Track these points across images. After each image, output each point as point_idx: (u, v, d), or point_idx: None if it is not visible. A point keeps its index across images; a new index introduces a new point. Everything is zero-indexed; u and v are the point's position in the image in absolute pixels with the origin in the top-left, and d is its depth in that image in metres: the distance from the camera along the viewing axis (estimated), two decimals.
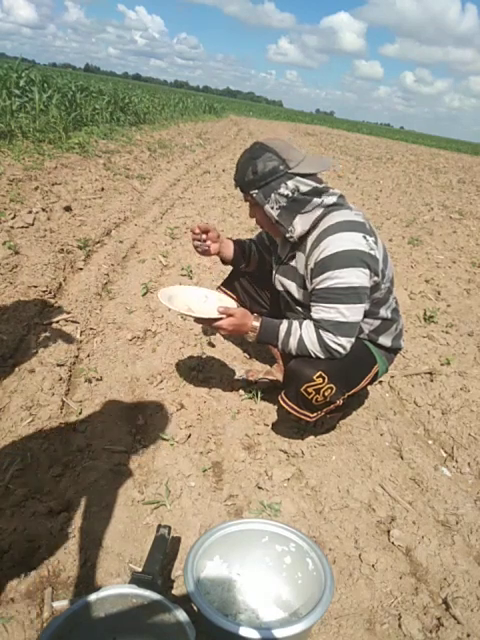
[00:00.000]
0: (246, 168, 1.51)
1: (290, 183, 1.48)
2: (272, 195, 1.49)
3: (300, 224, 1.53)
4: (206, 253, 1.81)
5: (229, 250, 1.87)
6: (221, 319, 1.54)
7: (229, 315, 1.53)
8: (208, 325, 1.59)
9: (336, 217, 1.50)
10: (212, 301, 1.73)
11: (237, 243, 1.89)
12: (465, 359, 2.57)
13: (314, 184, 1.50)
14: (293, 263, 1.66)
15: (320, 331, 1.48)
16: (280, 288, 1.75)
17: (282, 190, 1.48)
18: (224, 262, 1.93)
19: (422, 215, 6.52)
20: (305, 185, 1.49)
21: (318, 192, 1.50)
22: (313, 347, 1.49)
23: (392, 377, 2.29)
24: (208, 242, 1.79)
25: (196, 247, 1.80)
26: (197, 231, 1.77)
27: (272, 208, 1.51)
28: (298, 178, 1.49)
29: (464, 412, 2.08)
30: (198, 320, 1.61)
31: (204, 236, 1.78)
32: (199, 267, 3.34)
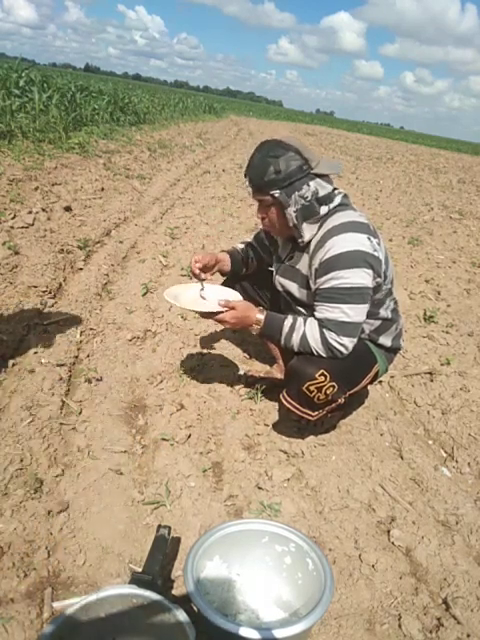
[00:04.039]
0: (266, 166, 1.45)
1: (312, 184, 1.47)
2: (293, 196, 1.47)
3: (308, 230, 1.53)
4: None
5: (226, 265, 1.87)
6: (223, 312, 1.53)
7: (231, 308, 1.53)
8: (211, 319, 1.58)
9: (340, 218, 1.50)
10: (216, 293, 1.69)
11: (233, 255, 1.89)
12: (465, 359, 2.57)
13: (330, 187, 1.50)
14: (294, 263, 1.66)
15: (323, 330, 1.48)
16: (280, 288, 1.75)
17: (303, 191, 1.46)
18: (223, 275, 1.94)
19: (422, 215, 6.53)
20: (323, 188, 1.49)
21: (328, 199, 1.50)
22: (316, 345, 1.49)
23: (392, 377, 2.29)
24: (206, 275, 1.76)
25: (194, 274, 1.76)
26: (197, 272, 1.72)
27: (294, 210, 1.49)
28: (318, 180, 1.48)
29: (464, 412, 2.08)
30: (204, 315, 1.60)
31: (203, 275, 1.73)
32: None
